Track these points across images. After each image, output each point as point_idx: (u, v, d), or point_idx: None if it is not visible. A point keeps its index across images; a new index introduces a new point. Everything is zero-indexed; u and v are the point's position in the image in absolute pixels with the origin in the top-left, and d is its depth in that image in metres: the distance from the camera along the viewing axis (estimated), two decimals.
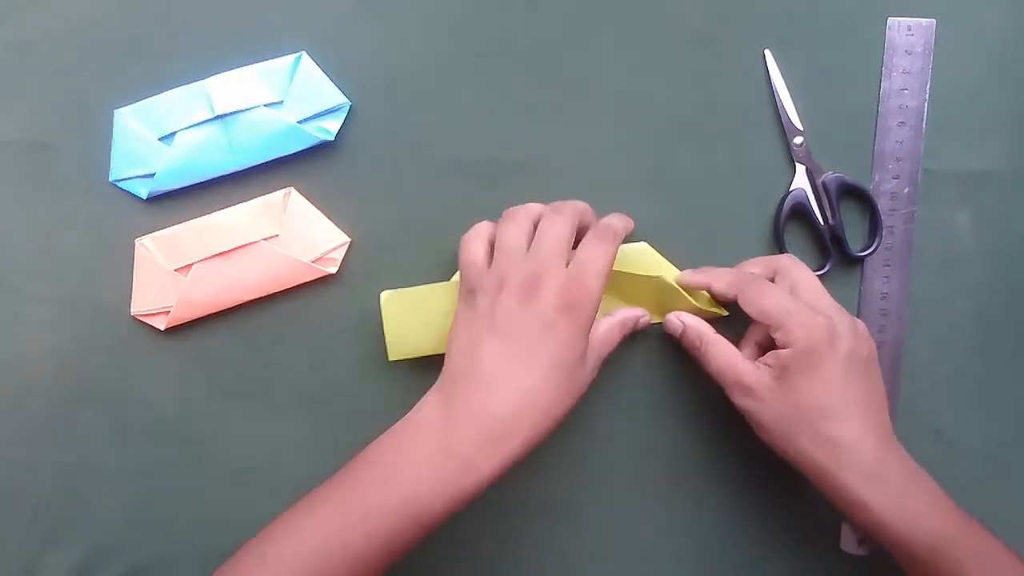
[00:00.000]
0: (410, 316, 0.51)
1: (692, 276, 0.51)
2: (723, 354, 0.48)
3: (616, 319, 0.49)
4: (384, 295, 0.51)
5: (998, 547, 0.45)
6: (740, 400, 0.47)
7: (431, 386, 0.46)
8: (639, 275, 0.51)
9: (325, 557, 0.42)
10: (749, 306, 0.48)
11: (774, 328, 0.46)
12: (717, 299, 0.51)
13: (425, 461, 0.43)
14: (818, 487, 0.46)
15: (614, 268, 0.47)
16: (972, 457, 0.54)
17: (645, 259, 0.52)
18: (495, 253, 0.46)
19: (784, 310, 0.46)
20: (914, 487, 0.45)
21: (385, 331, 0.51)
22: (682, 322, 0.50)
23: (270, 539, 0.43)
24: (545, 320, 0.44)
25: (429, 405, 0.45)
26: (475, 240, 0.48)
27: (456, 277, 0.50)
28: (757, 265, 0.51)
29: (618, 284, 0.51)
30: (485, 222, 0.49)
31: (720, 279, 0.50)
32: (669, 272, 0.52)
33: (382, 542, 0.42)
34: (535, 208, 0.48)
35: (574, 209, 0.47)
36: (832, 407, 0.45)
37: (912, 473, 0.45)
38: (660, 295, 0.51)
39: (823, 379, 0.45)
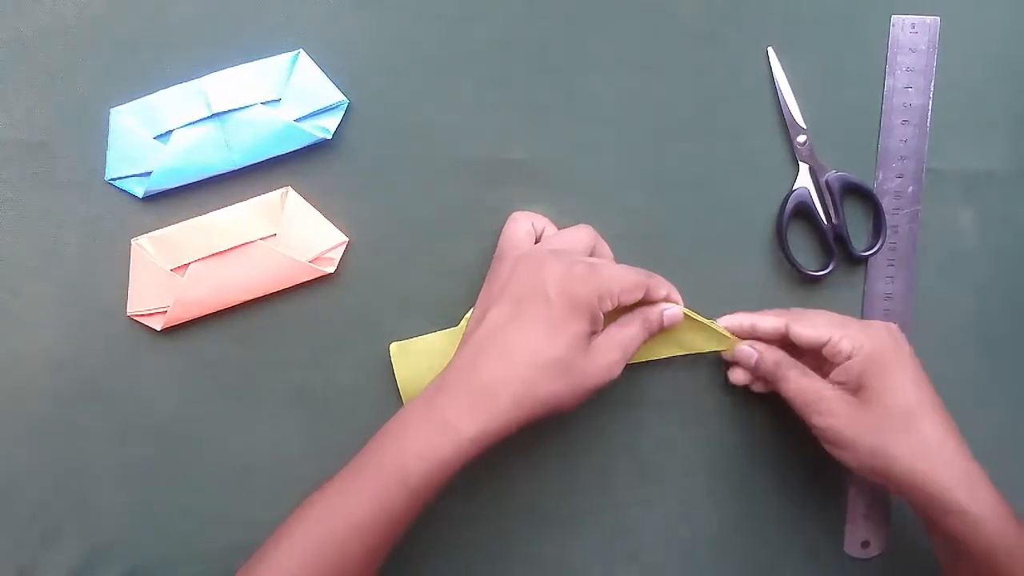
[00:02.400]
0: (419, 363, 0.51)
1: (735, 319, 0.50)
2: (801, 376, 0.48)
3: (636, 315, 0.47)
4: (393, 347, 0.52)
5: None
6: (820, 420, 0.47)
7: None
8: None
9: (329, 524, 0.43)
10: (805, 330, 0.48)
11: (832, 345, 0.47)
12: (761, 336, 0.50)
13: (412, 423, 0.44)
14: (907, 497, 0.45)
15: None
16: (975, 457, 0.54)
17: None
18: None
19: (836, 324, 0.47)
20: (987, 481, 0.45)
21: (397, 379, 0.52)
22: (756, 350, 0.49)
23: (290, 518, 0.44)
24: (544, 294, 0.44)
25: (439, 376, 0.46)
26: (523, 218, 0.49)
27: (462, 323, 0.51)
28: (767, 314, 0.50)
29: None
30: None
31: (763, 318, 0.50)
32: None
33: (377, 504, 0.43)
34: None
35: (647, 275, 0.47)
36: (917, 404, 0.45)
37: (978, 466, 0.45)
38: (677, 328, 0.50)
39: (900, 376, 0.46)
